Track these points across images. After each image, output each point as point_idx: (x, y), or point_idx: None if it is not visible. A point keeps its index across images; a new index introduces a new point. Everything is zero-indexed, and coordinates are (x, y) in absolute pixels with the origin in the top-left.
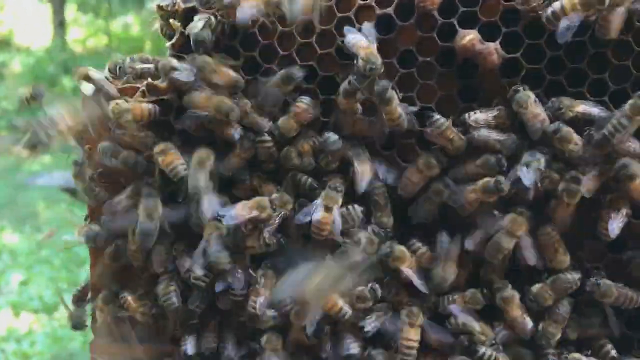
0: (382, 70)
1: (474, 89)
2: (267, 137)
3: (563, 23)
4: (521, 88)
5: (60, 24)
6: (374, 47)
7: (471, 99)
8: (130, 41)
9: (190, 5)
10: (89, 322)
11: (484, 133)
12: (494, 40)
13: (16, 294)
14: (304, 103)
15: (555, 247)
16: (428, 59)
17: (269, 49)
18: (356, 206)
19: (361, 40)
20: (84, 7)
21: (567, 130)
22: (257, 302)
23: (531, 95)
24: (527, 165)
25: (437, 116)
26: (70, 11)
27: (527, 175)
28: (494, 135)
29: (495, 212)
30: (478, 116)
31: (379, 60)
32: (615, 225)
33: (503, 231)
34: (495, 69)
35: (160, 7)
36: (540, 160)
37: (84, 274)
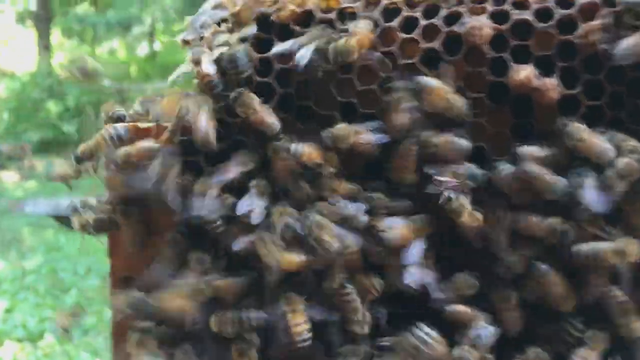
0: None
1: (529, 127)
2: None
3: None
4: (569, 122)
5: (45, 49)
6: None
7: (525, 137)
8: (116, 66)
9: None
10: None
11: (534, 169)
12: (547, 75)
13: (0, 321)
14: None
15: None
16: (478, 95)
17: None
18: None
19: None
20: (69, 32)
21: None
22: None
23: (582, 125)
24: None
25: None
26: (55, 36)
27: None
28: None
29: None
30: (531, 150)
31: None
32: None
33: None
34: (553, 106)
35: (185, 42)
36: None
37: (69, 299)
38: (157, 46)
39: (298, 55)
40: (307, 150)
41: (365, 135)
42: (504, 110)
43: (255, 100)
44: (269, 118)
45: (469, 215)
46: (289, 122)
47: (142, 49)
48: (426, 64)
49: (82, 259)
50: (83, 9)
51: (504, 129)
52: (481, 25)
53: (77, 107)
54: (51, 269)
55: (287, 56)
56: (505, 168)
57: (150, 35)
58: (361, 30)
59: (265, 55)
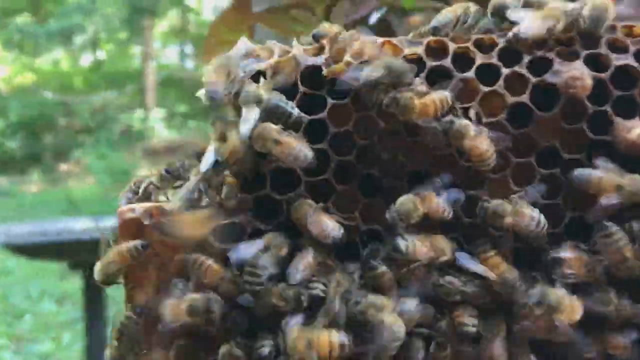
0: None
1: None
2: None
3: None
4: None
5: None
6: None
7: None
8: (59, 77)
9: None
10: None
11: None
12: None
13: None
14: None
15: None
16: (576, 156)
17: None
18: None
19: None
20: (9, 45)
21: None
22: None
23: None
24: None
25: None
26: None
27: None
28: None
29: None
30: None
31: None
32: None
33: None
34: None
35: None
36: None
37: (25, 324)
38: (102, 55)
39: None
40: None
41: (436, 201)
42: None
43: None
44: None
45: None
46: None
47: (86, 59)
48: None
49: (35, 282)
50: (23, 19)
51: None
52: (581, 74)
53: (21, 123)
54: (2, 295)
55: None
56: None
57: (94, 45)
58: (432, 97)
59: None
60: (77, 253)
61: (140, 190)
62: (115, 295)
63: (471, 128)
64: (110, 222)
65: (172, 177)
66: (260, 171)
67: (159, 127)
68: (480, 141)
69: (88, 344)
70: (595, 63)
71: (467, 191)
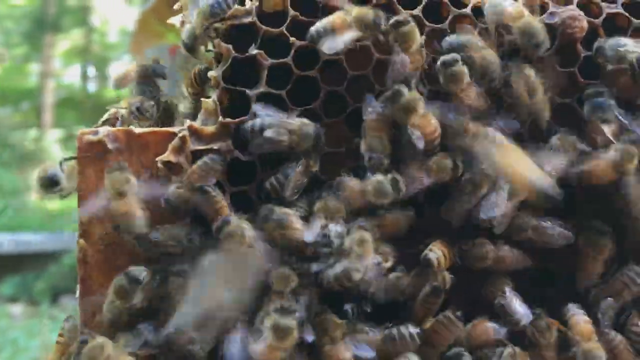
0: None
1: None
2: None
3: None
4: None
5: None
6: None
7: None
8: None
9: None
10: None
11: None
12: None
13: None
14: None
15: None
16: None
17: None
18: None
19: None
20: None
21: None
22: None
23: None
24: None
25: None
26: None
27: None
28: None
29: None
30: None
31: None
32: None
33: None
34: None
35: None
36: None
37: None
38: None
39: None
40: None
41: None
42: None
43: None
44: None
45: None
46: None
47: None
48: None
49: None
50: None
51: None
52: (579, 14)
53: None
54: None
55: None
56: None
57: None
58: None
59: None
60: None
61: (104, 117)
62: None
63: None
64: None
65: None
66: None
67: (55, 148)
68: None
69: None
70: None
71: None
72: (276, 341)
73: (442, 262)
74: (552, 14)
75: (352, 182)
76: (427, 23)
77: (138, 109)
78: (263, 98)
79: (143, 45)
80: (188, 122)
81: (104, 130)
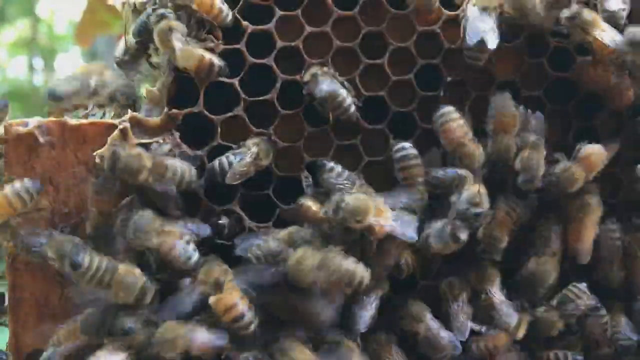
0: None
1: None
2: None
3: None
4: None
5: None
6: None
7: None
8: None
9: None
10: None
11: None
12: None
13: None
14: None
15: None
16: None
17: None
18: None
19: None
20: None
21: None
22: None
23: None
24: None
25: None
26: None
27: None
28: None
29: None
30: None
31: None
32: None
33: None
34: None
35: None
36: None
37: None
38: None
39: None
40: None
41: None
42: None
43: None
44: None
45: None
46: None
47: None
48: None
49: None
50: None
51: None
52: None
53: None
54: None
55: None
56: None
57: None
58: None
59: None
60: None
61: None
62: None
63: None
64: None
65: None
66: None
67: None
68: None
69: None
70: None
71: None
72: None
73: None
74: None
75: None
76: None
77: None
78: (214, 87)
79: (88, 35)
80: (130, 113)
81: (34, 121)
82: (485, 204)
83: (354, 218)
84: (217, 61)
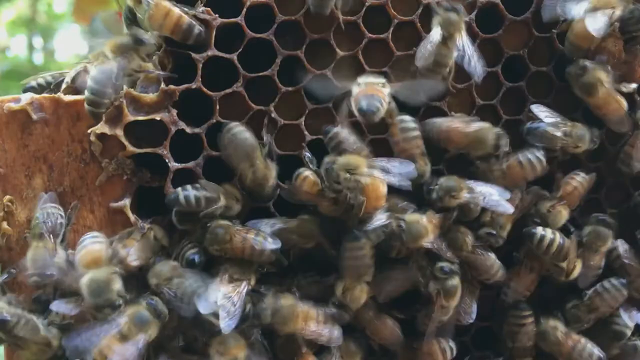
0: None
1: None
2: None
3: None
4: None
5: None
6: None
7: None
8: None
9: None
10: None
11: None
12: None
13: None
14: None
15: None
16: None
17: None
18: None
19: None
20: None
21: None
22: None
23: None
24: None
25: None
26: None
27: None
28: None
29: None
30: None
31: None
32: None
33: None
34: None
35: None
36: None
37: None
38: None
39: None
40: None
41: None
42: None
43: None
44: None
45: None
46: None
47: None
48: None
49: None
50: None
51: None
52: None
53: None
54: None
55: None
56: None
57: None
58: None
59: None
60: None
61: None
62: None
63: None
64: None
65: None
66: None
67: None
68: None
69: None
70: None
71: None
72: None
73: None
74: None
75: None
76: None
77: None
78: (212, 62)
79: (86, 12)
80: (125, 89)
81: (27, 97)
82: None
83: (346, 169)
84: (197, 24)
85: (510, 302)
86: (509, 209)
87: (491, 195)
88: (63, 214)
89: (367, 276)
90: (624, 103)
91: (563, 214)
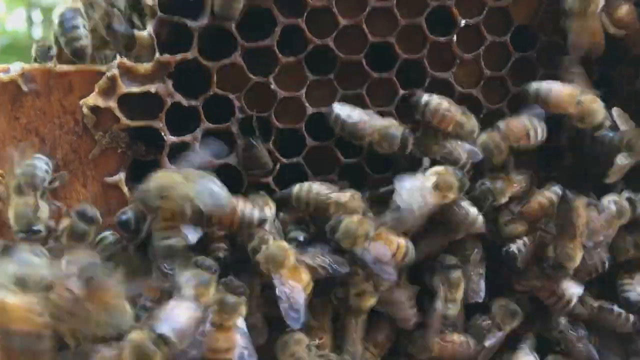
0: None
1: None
2: None
3: None
4: None
5: None
6: None
7: None
8: None
9: None
10: None
11: None
12: None
13: None
14: None
15: None
16: None
17: None
18: None
19: None
20: None
21: None
22: None
23: None
24: None
25: None
26: None
27: None
28: None
29: None
30: None
31: None
32: None
33: None
34: None
35: None
36: None
37: None
38: None
39: None
40: None
41: None
42: None
43: None
44: None
45: None
46: None
47: None
48: None
49: None
50: None
51: None
52: None
53: None
54: None
55: None
56: None
57: None
58: None
59: None
60: None
61: None
62: None
63: None
64: None
65: None
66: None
67: None
68: None
69: None
70: None
71: None
72: None
73: None
74: None
75: None
76: None
77: None
78: (208, 31)
79: None
80: (118, 59)
81: (17, 67)
82: None
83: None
84: None
85: None
86: None
87: None
88: (47, 163)
89: None
90: None
91: None
